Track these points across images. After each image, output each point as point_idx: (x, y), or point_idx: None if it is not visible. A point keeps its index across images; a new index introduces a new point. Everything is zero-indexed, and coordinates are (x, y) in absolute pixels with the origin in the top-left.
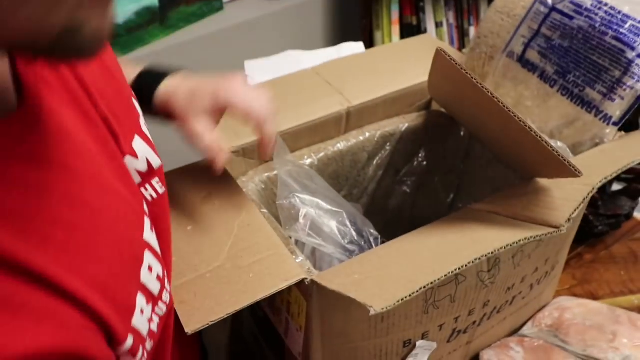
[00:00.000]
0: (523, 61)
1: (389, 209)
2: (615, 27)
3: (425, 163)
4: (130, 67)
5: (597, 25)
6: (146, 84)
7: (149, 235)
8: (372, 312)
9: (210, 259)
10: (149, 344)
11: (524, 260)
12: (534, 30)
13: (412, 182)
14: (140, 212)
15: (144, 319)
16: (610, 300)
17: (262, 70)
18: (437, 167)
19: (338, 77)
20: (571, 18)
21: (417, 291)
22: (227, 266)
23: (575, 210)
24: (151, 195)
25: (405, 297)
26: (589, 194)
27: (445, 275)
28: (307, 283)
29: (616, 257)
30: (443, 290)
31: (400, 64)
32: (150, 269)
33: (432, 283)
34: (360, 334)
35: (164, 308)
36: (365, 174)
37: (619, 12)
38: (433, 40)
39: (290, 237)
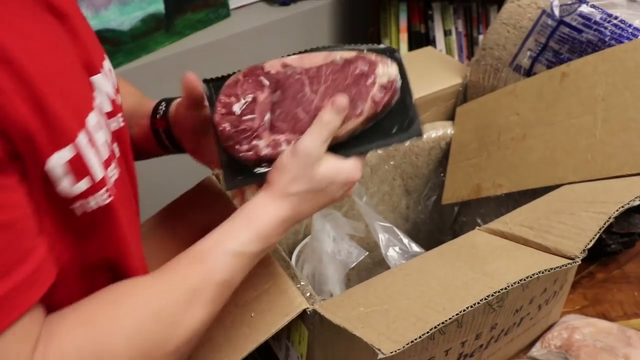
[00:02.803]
0: (531, 76)
1: (391, 223)
2: (626, 41)
3: (429, 176)
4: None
5: (606, 39)
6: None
7: (98, 109)
8: (380, 356)
9: None
10: (105, 194)
11: (532, 283)
12: (542, 43)
13: (417, 195)
14: (89, 87)
15: (94, 156)
16: (624, 322)
17: None
18: (442, 180)
19: None
20: (580, 31)
21: (428, 332)
22: (230, 307)
23: (590, 240)
24: (115, 126)
25: (415, 339)
26: (605, 223)
27: (457, 314)
28: (308, 312)
29: (629, 276)
30: None
31: None
32: (98, 127)
33: (443, 323)
34: None
35: (112, 182)
36: (368, 189)
37: (629, 25)
38: (436, 52)
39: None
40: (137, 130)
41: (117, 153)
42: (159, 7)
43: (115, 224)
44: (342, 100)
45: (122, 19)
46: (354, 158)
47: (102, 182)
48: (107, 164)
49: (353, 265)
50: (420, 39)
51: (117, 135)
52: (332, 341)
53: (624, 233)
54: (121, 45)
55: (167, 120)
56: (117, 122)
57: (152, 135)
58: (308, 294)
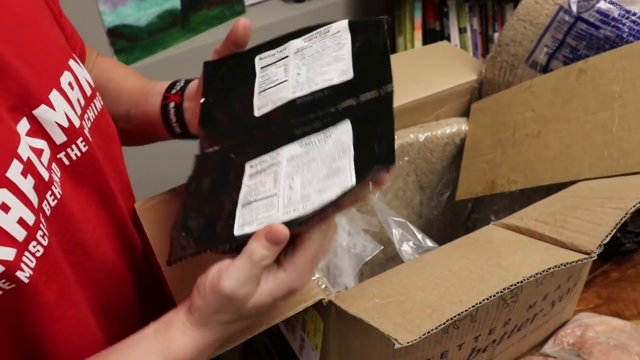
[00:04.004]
0: (547, 72)
1: (405, 219)
2: None
3: (443, 172)
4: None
5: (624, 35)
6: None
7: (17, 177)
8: (397, 346)
9: None
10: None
11: (547, 279)
12: (559, 40)
13: (430, 191)
14: (8, 151)
15: None
16: (638, 321)
17: None
18: (456, 176)
19: None
20: (597, 28)
21: (444, 323)
22: None
23: (607, 236)
24: (76, 155)
25: (432, 330)
26: (621, 219)
27: (473, 306)
28: (324, 303)
29: None
30: None
31: (418, 73)
32: (5, 208)
33: (459, 314)
34: (378, 354)
35: (33, 261)
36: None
37: None
38: (451, 47)
39: None
40: (143, 108)
41: (48, 211)
42: (175, 3)
43: (35, 306)
44: (281, 230)
45: (139, 15)
46: (298, 265)
47: (11, 269)
48: (22, 246)
49: (368, 259)
50: (435, 37)
51: (76, 168)
52: (347, 333)
53: (639, 232)
54: (138, 41)
55: (183, 96)
56: (76, 151)
57: (159, 113)
58: (324, 286)
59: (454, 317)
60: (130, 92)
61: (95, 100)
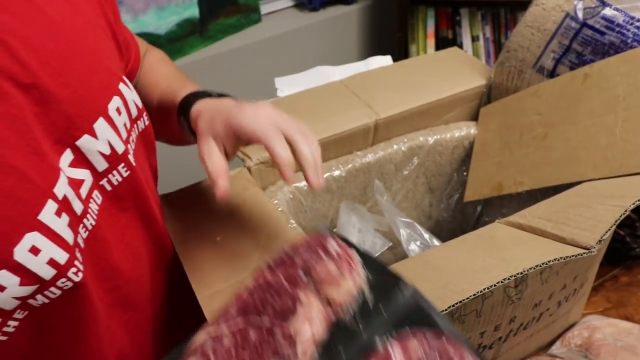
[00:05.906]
0: (554, 77)
1: (414, 220)
2: None
3: (452, 175)
4: (182, 83)
5: (629, 40)
6: (187, 102)
7: (50, 218)
8: None
9: (238, 270)
10: (12, 323)
11: (552, 277)
12: (565, 45)
13: (440, 193)
14: (43, 192)
15: (6, 296)
16: None
17: (291, 85)
18: (465, 178)
19: (366, 89)
20: (602, 34)
21: (446, 310)
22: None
23: (606, 232)
24: (117, 180)
25: None
26: (621, 216)
27: (474, 295)
28: None
29: None
30: (469, 304)
31: (428, 77)
32: (35, 250)
33: (460, 302)
34: None
35: (57, 292)
36: (392, 185)
37: None
38: (461, 53)
39: None
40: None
41: (82, 243)
42: (194, 12)
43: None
44: None
45: (159, 23)
46: None
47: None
48: (49, 283)
49: (377, 255)
50: (447, 45)
51: (117, 193)
52: None
53: None
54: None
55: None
56: (118, 176)
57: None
58: None
59: (456, 304)
60: (162, 92)
61: (139, 121)
